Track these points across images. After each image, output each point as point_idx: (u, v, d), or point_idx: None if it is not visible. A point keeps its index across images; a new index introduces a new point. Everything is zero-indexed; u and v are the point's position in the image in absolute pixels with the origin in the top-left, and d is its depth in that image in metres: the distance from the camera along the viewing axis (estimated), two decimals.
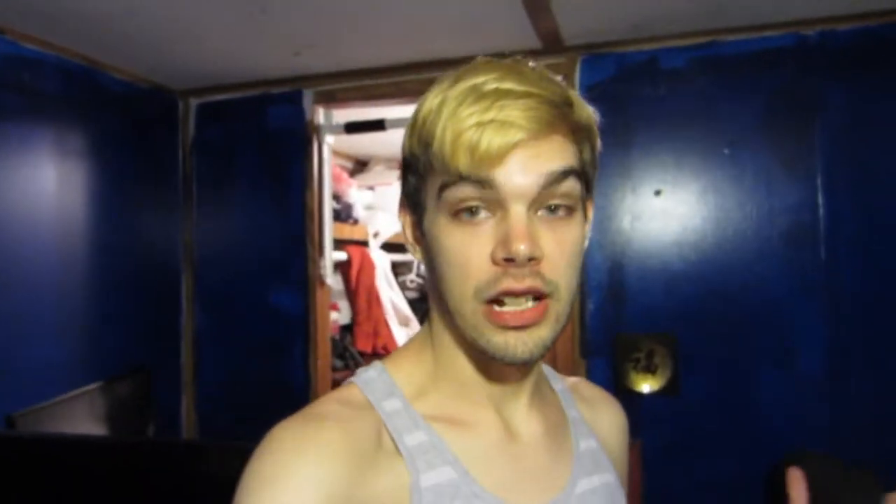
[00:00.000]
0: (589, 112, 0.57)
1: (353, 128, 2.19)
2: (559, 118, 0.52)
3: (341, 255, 2.77)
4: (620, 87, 1.88)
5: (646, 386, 1.84)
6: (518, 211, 0.51)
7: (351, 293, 2.96)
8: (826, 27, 1.73)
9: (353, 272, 2.90)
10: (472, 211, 0.52)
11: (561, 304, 0.54)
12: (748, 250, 1.78)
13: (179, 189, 2.28)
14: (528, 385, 0.62)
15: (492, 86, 0.51)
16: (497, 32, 1.78)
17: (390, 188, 3.12)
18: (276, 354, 2.17)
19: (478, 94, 0.51)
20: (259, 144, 2.22)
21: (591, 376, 1.88)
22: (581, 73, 1.91)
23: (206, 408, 2.25)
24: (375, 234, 3.01)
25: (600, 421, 0.70)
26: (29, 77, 1.71)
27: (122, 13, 1.59)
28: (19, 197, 1.67)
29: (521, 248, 0.50)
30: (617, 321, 1.87)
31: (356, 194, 2.90)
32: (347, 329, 3.01)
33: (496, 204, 0.52)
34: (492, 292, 0.52)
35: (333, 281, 2.27)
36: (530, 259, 0.51)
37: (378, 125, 2.18)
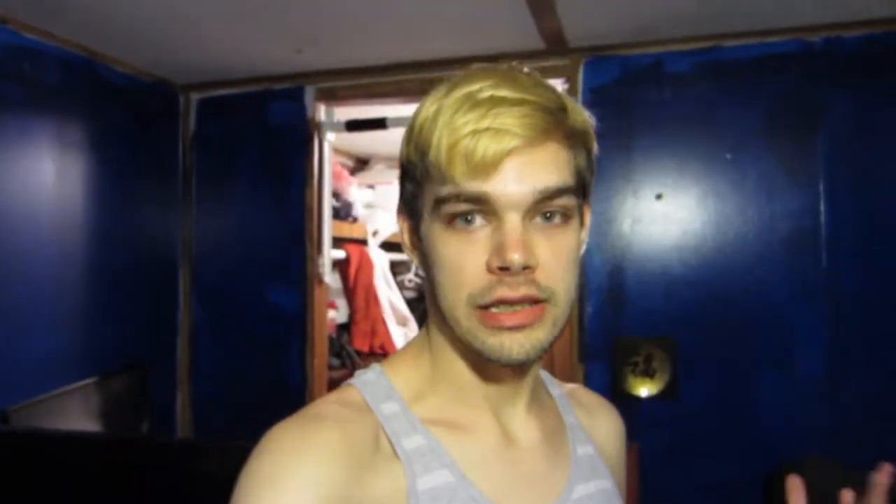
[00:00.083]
0: (584, 117, 0.57)
1: (354, 126, 2.19)
2: (554, 124, 0.53)
3: (340, 254, 2.76)
4: (625, 89, 1.88)
5: (644, 390, 1.83)
6: (513, 219, 0.52)
7: (349, 292, 2.95)
8: (831, 34, 1.73)
9: (352, 271, 2.90)
10: (467, 218, 0.53)
11: (559, 309, 0.54)
12: (749, 255, 1.78)
13: (179, 184, 2.27)
14: (525, 390, 0.62)
15: (487, 93, 0.51)
16: (500, 32, 1.78)
17: (390, 187, 3.11)
18: (273, 352, 2.17)
19: (473, 102, 0.51)
20: (260, 140, 2.21)
21: (590, 380, 1.87)
22: (584, 75, 1.91)
23: (201, 404, 2.24)
24: (374, 233, 3.00)
25: (598, 427, 0.70)
26: (29, 67, 1.70)
27: (125, 5, 1.58)
28: (18, 189, 1.67)
29: (516, 257, 0.50)
30: (616, 325, 1.87)
31: (356, 192, 2.89)
32: (345, 328, 3.00)
33: (491, 212, 0.52)
34: (486, 300, 0.52)
35: (331, 279, 2.26)
36: (525, 267, 0.51)
37: (379, 124, 2.17)
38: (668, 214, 1.84)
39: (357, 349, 2.87)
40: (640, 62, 1.87)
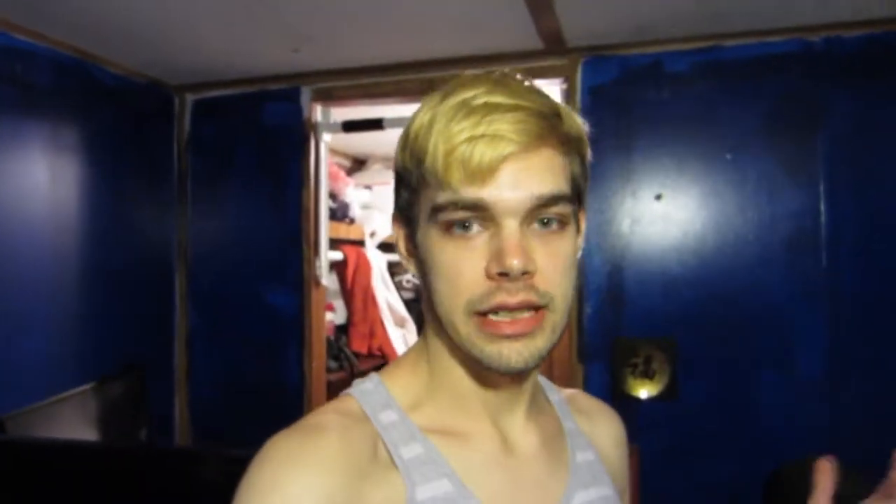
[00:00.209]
0: (578, 123, 0.57)
1: (351, 126, 2.17)
2: (548, 130, 0.53)
3: (337, 255, 2.75)
4: (624, 89, 1.87)
5: (643, 391, 1.82)
6: (510, 225, 0.52)
7: (347, 293, 2.94)
8: (832, 34, 1.72)
9: (349, 272, 2.89)
10: (464, 225, 0.53)
11: (557, 315, 0.54)
12: (749, 255, 1.77)
13: (174, 186, 2.26)
14: (524, 397, 0.62)
15: (481, 100, 0.52)
16: (498, 32, 1.77)
17: (388, 187, 3.10)
18: (271, 354, 2.16)
19: (468, 109, 0.52)
20: (255, 142, 2.20)
21: (589, 381, 1.87)
22: (583, 75, 1.90)
23: (199, 407, 2.23)
24: (372, 234, 2.99)
25: (598, 433, 0.70)
26: (22, 69, 1.69)
27: (118, 5, 1.56)
28: (11, 191, 1.65)
29: (515, 263, 0.51)
30: (615, 325, 1.86)
31: (353, 193, 2.88)
32: (343, 329, 2.99)
33: (489, 218, 0.53)
34: (485, 306, 0.52)
35: (329, 281, 2.25)
36: (524, 273, 0.51)
37: (376, 124, 2.16)
38: (668, 215, 1.84)
39: (355, 351, 2.86)
40: (638, 62, 1.86)
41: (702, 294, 1.80)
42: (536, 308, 0.53)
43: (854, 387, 1.69)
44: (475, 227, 0.53)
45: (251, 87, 2.18)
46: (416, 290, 3.28)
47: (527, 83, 0.56)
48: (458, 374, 0.59)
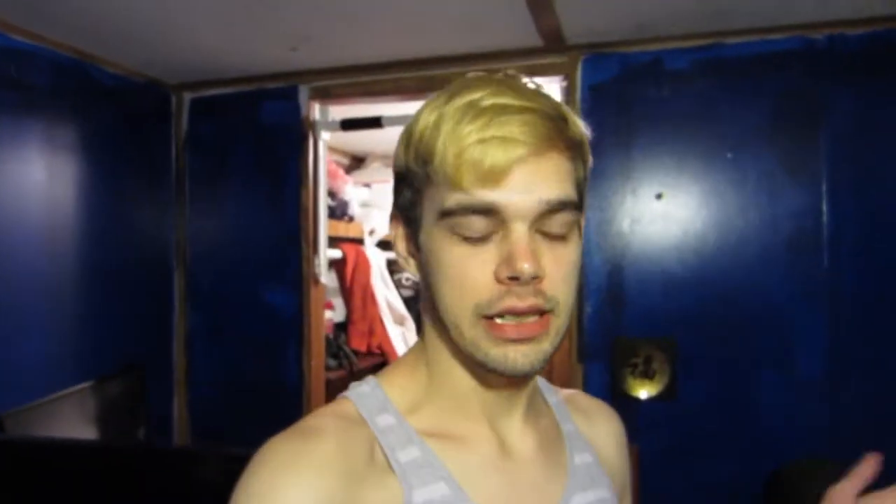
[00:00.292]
0: (582, 128, 0.57)
1: (349, 125, 2.17)
2: (556, 132, 0.53)
3: (336, 253, 2.75)
4: (624, 87, 1.86)
5: (643, 391, 1.82)
6: (520, 229, 0.52)
7: (346, 291, 2.94)
8: (834, 31, 1.71)
9: (349, 270, 2.88)
10: (473, 228, 0.53)
11: (561, 319, 0.55)
12: (749, 255, 1.76)
13: (172, 185, 2.25)
14: (523, 399, 0.62)
15: (489, 101, 0.52)
16: (498, 29, 1.76)
17: (387, 185, 3.10)
18: (270, 353, 2.15)
19: (476, 111, 0.51)
20: (253, 140, 2.19)
21: (589, 381, 1.86)
22: (583, 73, 1.89)
23: (198, 406, 2.23)
24: (371, 232, 2.98)
25: (597, 433, 0.70)
26: (19, 69, 1.68)
27: (116, 5, 1.55)
28: (9, 191, 1.65)
29: (526, 267, 0.51)
30: (615, 325, 1.86)
31: (352, 191, 2.87)
32: (342, 327, 2.99)
33: (499, 221, 0.52)
34: (493, 310, 0.52)
35: (328, 279, 2.24)
36: (533, 277, 0.52)
37: (375, 122, 2.15)
38: (668, 214, 1.83)
39: (354, 349, 2.85)
40: (639, 59, 1.85)
41: (702, 294, 1.79)
42: (542, 312, 0.53)
43: (854, 387, 1.69)
44: (484, 230, 0.52)
45: (249, 86, 2.17)
46: (415, 288, 3.28)
47: (531, 84, 0.56)
48: (457, 376, 0.59)
